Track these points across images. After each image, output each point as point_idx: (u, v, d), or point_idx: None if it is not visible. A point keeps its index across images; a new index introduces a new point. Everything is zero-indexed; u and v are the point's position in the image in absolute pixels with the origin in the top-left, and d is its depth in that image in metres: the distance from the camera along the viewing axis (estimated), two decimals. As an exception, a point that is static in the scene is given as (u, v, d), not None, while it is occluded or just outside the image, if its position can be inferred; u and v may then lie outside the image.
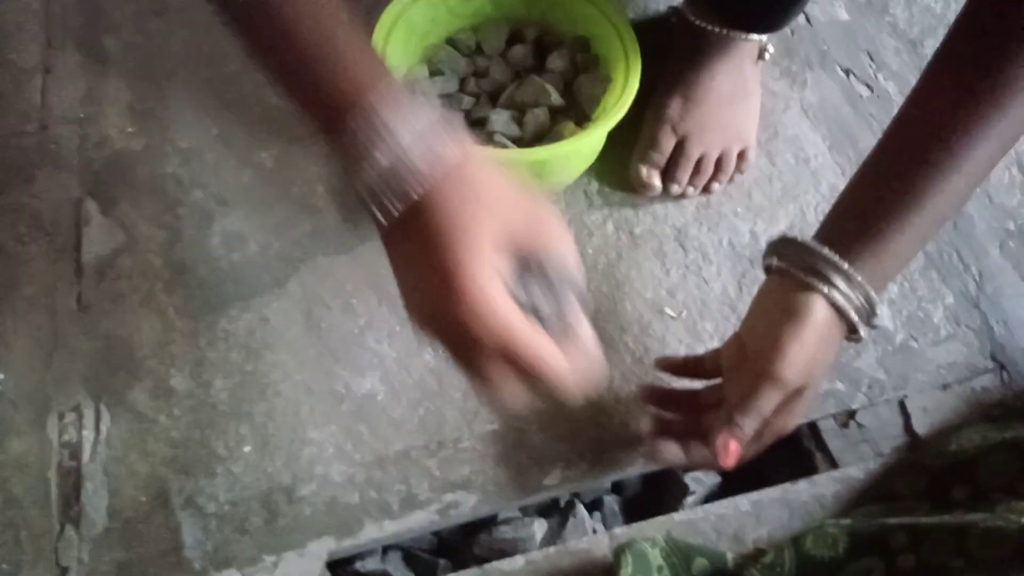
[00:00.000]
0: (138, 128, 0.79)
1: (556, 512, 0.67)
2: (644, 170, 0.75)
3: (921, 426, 0.68)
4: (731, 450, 0.55)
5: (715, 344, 0.71)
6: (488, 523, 0.66)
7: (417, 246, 0.41)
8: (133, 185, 0.76)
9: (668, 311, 0.72)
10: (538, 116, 0.72)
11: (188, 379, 0.67)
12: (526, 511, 0.67)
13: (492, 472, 0.65)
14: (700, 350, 0.70)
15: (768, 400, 0.54)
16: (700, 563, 0.57)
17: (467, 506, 0.64)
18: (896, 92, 0.87)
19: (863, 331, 0.54)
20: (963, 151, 0.49)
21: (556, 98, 0.73)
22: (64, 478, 0.63)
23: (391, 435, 0.66)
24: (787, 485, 0.65)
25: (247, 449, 0.64)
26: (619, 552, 0.57)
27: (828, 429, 0.69)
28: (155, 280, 0.71)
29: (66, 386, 0.66)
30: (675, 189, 0.75)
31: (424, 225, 0.40)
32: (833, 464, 0.67)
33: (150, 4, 0.86)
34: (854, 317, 0.53)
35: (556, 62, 0.76)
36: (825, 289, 0.52)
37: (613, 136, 0.72)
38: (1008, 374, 0.71)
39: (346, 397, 0.67)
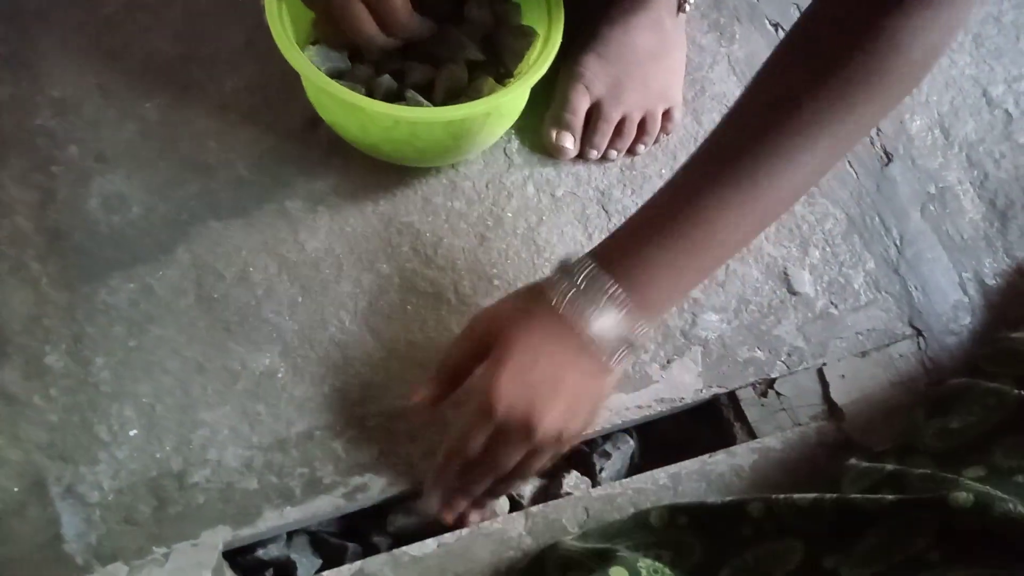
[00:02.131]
0: (3, 75, 0.70)
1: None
2: (555, 133, 0.71)
3: (839, 394, 0.68)
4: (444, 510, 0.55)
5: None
6: (401, 501, 0.63)
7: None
8: (2, 143, 0.67)
9: (588, 278, 0.69)
10: (454, 71, 0.66)
11: (65, 356, 0.61)
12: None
13: (403, 451, 0.61)
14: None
15: (475, 438, 0.51)
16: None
17: (376, 488, 0.60)
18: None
19: (609, 347, 0.50)
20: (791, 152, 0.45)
21: (474, 52, 0.67)
22: (-79, 469, 0.57)
23: (292, 415, 0.61)
24: (705, 457, 0.64)
25: (132, 432, 0.59)
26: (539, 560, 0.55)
27: (746, 399, 0.68)
28: (25, 246, 0.64)
29: (-79, 367, 0.60)
30: (593, 155, 0.72)
31: None
32: (752, 434, 0.66)
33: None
34: (606, 347, 0.49)
35: (474, 11, 0.70)
36: (581, 322, 0.48)
37: (536, 92, 0.67)
38: (924, 340, 0.71)
39: (242, 375, 0.62)
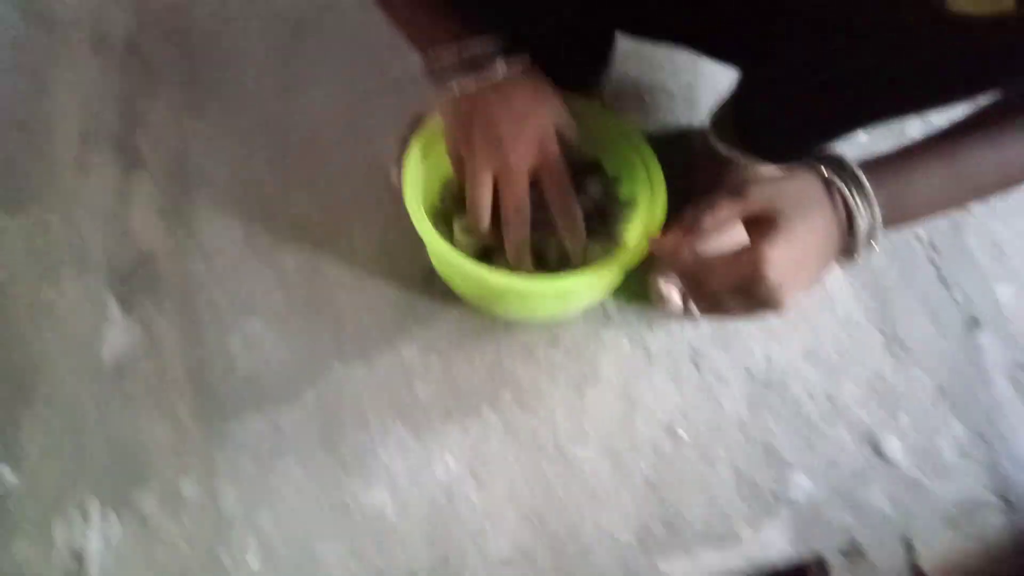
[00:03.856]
0: (164, 227, 0.80)
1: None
2: (663, 285, 0.76)
3: (926, 562, 0.68)
4: (670, 235, 0.56)
5: (726, 470, 0.71)
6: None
7: (496, 104, 0.61)
8: (156, 284, 0.77)
9: (681, 432, 0.73)
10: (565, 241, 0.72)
11: (197, 485, 0.67)
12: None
13: (498, 598, 0.64)
14: (710, 476, 0.71)
15: (727, 209, 0.53)
16: None
17: (472, 633, 0.63)
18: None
19: (862, 248, 0.54)
20: (1002, 139, 0.54)
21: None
22: (69, 585, 0.63)
23: (397, 553, 0.65)
24: (795, 623, 0.65)
25: (253, 562, 0.64)
26: None
27: (836, 563, 0.68)
28: (171, 382, 0.72)
29: (75, 489, 0.67)
30: (695, 309, 0.76)
31: (501, 92, 0.61)
32: (842, 601, 0.67)
33: (182, 100, 0.88)
34: (859, 224, 0.53)
35: (590, 186, 0.76)
36: (844, 188, 0.53)
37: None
38: (1013, 511, 0.71)
39: (352, 510, 0.67)
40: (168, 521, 0.66)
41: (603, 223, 0.75)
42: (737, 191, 0.53)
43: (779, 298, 0.52)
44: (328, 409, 0.71)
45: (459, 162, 0.65)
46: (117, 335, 0.74)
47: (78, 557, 0.64)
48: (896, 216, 0.56)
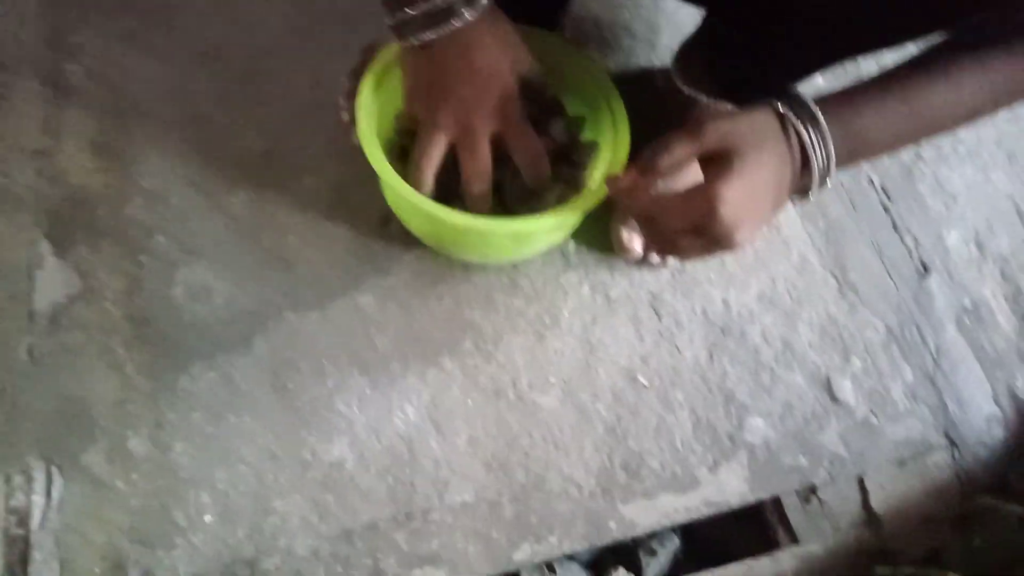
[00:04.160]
0: (99, 164, 0.75)
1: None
2: (625, 234, 0.75)
3: (878, 503, 0.70)
4: (625, 175, 0.56)
5: (685, 415, 0.72)
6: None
7: (454, 59, 0.58)
8: (92, 227, 0.72)
9: (641, 379, 0.73)
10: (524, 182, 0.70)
11: (147, 442, 0.64)
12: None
13: (461, 546, 0.64)
14: (671, 421, 0.71)
15: (682, 149, 0.53)
16: None
17: (435, 581, 0.63)
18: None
19: (815, 184, 0.55)
20: (957, 74, 0.54)
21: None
22: (10, 547, 0.60)
23: (358, 505, 0.64)
24: (749, 561, 0.67)
25: (208, 519, 0.62)
26: None
27: (790, 504, 0.70)
28: (113, 333, 0.68)
29: (16, 447, 0.63)
30: (655, 259, 0.75)
31: (462, 45, 0.58)
32: (794, 539, 0.69)
33: (116, 29, 0.81)
34: (814, 159, 0.53)
35: (554, 129, 0.74)
36: (799, 125, 0.53)
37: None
38: (959, 452, 0.73)
39: (312, 464, 0.65)
40: (117, 479, 0.63)
41: (566, 164, 0.73)
42: (692, 130, 0.52)
43: (733, 236, 0.52)
44: (282, 360, 0.69)
45: (415, 118, 0.62)
46: (51, 281, 0.70)
47: (23, 521, 0.61)
48: (851, 153, 0.56)
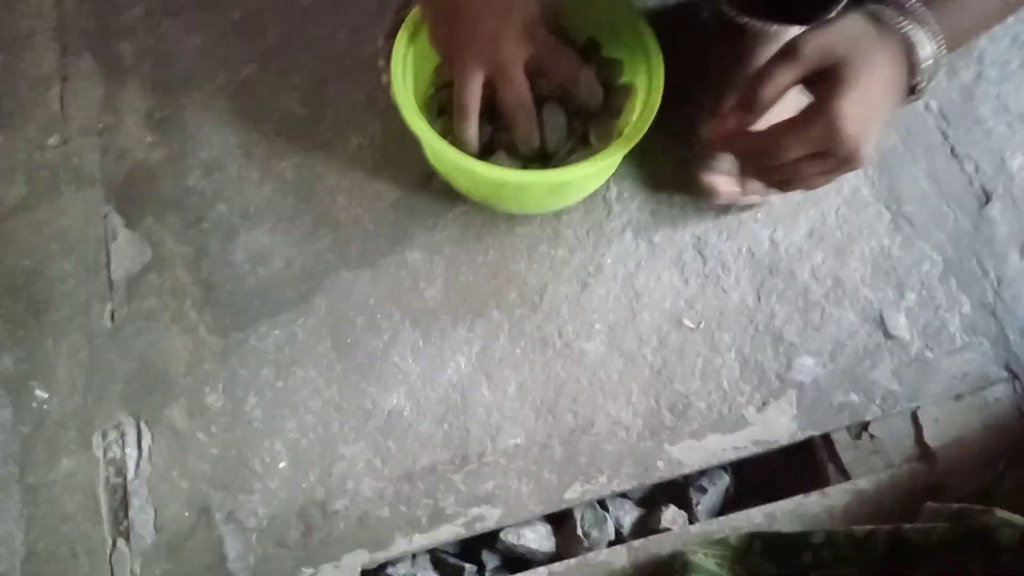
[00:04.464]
0: (158, 138, 0.79)
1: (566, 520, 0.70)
2: (714, 179, 0.72)
3: (932, 438, 0.70)
4: (725, 117, 0.53)
5: (732, 356, 0.72)
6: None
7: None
8: (157, 199, 0.77)
9: (687, 322, 0.74)
10: (560, 128, 0.71)
11: (222, 396, 0.70)
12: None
13: (515, 486, 0.68)
14: (717, 362, 0.72)
15: (784, 74, 0.50)
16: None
17: (492, 519, 0.67)
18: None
19: (924, 82, 0.51)
20: None
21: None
22: (112, 495, 0.67)
23: (418, 450, 0.68)
24: (800, 497, 0.68)
25: (282, 465, 0.67)
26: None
27: (841, 441, 0.71)
28: (184, 297, 0.73)
29: (107, 405, 0.70)
30: (753, 198, 0.74)
31: None
32: (845, 475, 0.70)
33: (161, 4, 0.85)
34: (924, 56, 0.50)
35: (589, 80, 0.73)
36: (899, 21, 0.50)
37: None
38: (1020, 384, 0.72)
39: (373, 413, 0.69)
40: (198, 431, 0.69)
41: (601, 108, 0.73)
42: (789, 51, 0.50)
43: (861, 151, 0.50)
44: (340, 315, 0.73)
45: (448, 63, 0.63)
46: (125, 252, 0.75)
47: (120, 471, 0.68)
48: (954, 41, 0.52)
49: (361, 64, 0.82)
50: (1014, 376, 0.72)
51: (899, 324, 0.74)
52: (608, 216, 0.77)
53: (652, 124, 0.65)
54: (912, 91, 0.52)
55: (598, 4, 0.72)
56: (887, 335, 0.73)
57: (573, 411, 0.70)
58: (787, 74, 0.50)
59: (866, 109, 0.49)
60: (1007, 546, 0.51)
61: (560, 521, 0.70)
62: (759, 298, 0.74)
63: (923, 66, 0.50)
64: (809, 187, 0.55)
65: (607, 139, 0.69)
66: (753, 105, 0.51)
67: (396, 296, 0.73)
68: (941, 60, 0.51)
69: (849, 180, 0.79)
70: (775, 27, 0.70)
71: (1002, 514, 0.53)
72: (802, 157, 0.51)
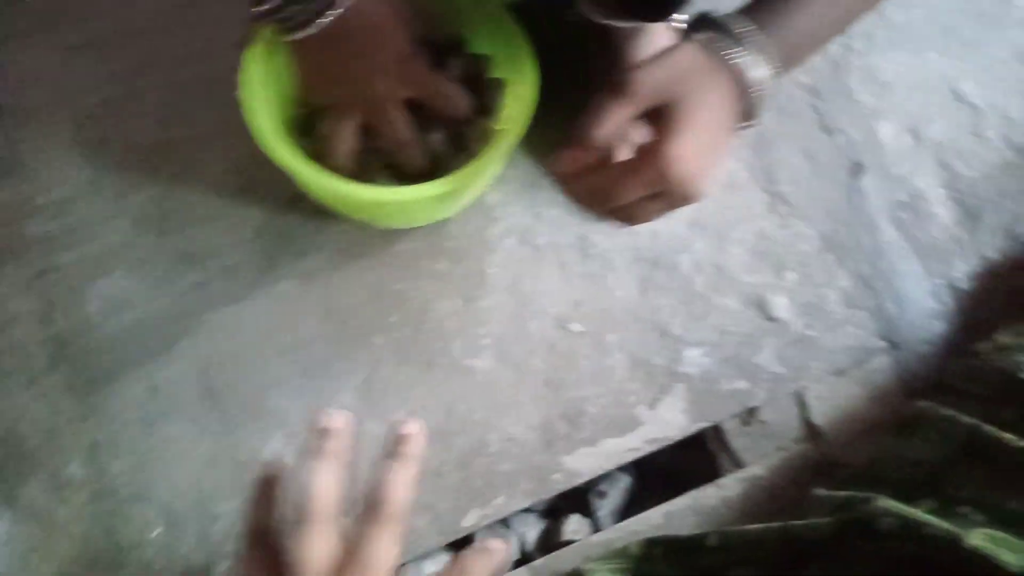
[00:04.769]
0: (-12, 183, 0.72)
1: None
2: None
3: (819, 416, 0.71)
4: (562, 155, 0.53)
5: (621, 356, 0.71)
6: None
7: (340, 41, 0.54)
8: (-7, 251, 0.70)
9: (574, 326, 0.72)
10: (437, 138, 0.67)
11: (84, 466, 0.65)
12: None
13: (411, 521, 0.65)
14: (607, 364, 0.71)
15: (616, 114, 0.50)
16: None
17: (389, 557, 0.64)
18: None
19: (760, 107, 0.52)
20: None
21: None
22: (-31, 585, 0.62)
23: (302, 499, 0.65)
24: (695, 492, 0.68)
25: (156, 533, 0.63)
26: None
27: (732, 429, 0.71)
28: (33, 359, 0.67)
29: (-45, 489, 0.64)
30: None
31: (345, 24, 0.53)
32: (737, 464, 0.70)
33: (-21, 30, 0.77)
34: (755, 86, 0.50)
35: (456, 70, 0.70)
36: (729, 54, 0.50)
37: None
38: (900, 353, 0.74)
39: (251, 464, 0.66)
40: (60, 508, 0.64)
41: (475, 104, 0.70)
42: (621, 89, 0.49)
43: (696, 190, 0.49)
44: (207, 361, 0.68)
45: (323, 109, 0.60)
46: (-36, 314, 0.69)
47: (-25, 555, 0.62)
48: (787, 62, 0.52)
49: (218, 81, 0.76)
50: (893, 346, 0.74)
51: (780, 306, 0.74)
52: (489, 223, 0.75)
53: (530, 122, 0.63)
54: (747, 116, 0.52)
55: (463, 4, 0.68)
56: (769, 318, 0.74)
57: (465, 432, 0.68)
58: (619, 114, 0.49)
59: (698, 148, 0.49)
60: (888, 533, 0.52)
61: (461, 547, 0.69)
62: (644, 293, 0.74)
63: (755, 93, 0.50)
64: (645, 222, 0.54)
65: (485, 142, 0.66)
66: (587, 145, 0.50)
67: (268, 333, 0.69)
68: (774, 83, 0.51)
69: (726, 164, 0.78)
70: (632, 25, 0.69)
71: (881, 502, 0.54)
72: (638, 198, 0.51)
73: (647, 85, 0.49)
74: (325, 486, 0.44)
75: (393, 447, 0.47)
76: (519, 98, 0.64)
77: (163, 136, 0.74)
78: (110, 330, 0.68)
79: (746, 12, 0.52)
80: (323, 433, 0.45)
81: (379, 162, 0.66)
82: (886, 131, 0.81)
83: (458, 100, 0.62)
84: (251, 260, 0.72)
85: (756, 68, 0.50)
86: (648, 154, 0.49)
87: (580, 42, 0.75)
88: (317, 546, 0.42)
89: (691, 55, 0.50)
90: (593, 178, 0.52)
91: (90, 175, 0.73)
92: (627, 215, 0.53)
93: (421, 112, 0.66)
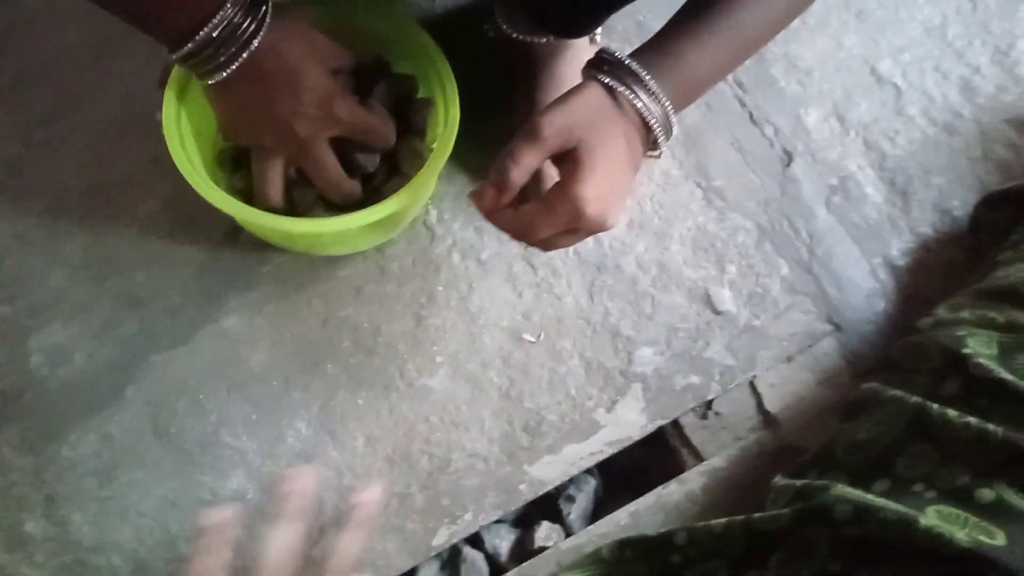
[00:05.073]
0: (-87, 244, 0.70)
1: (448, 563, 0.69)
2: None
3: (772, 403, 0.73)
4: (482, 193, 0.54)
5: (576, 362, 0.72)
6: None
7: (259, 83, 0.54)
8: (-75, 314, 0.68)
9: (527, 336, 0.73)
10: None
11: (42, 521, 0.64)
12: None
13: (380, 546, 0.66)
14: (562, 371, 0.72)
15: (527, 158, 0.51)
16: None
17: (360, 584, 0.64)
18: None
19: (662, 140, 0.54)
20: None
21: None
22: (-70, 658, 0.60)
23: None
24: (659, 490, 0.69)
25: (123, 582, 0.62)
26: None
27: (689, 423, 0.72)
28: (-22, 418, 0.66)
29: (-94, 561, 0.62)
30: None
31: (260, 67, 0.53)
32: (698, 457, 0.71)
33: None
34: (654, 123, 0.53)
35: (383, 93, 0.70)
36: (630, 95, 0.52)
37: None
38: (844, 335, 0.76)
39: (214, 503, 0.65)
40: (22, 566, 0.62)
41: (404, 125, 0.70)
42: (531, 134, 0.51)
43: (607, 223, 0.52)
44: (157, 404, 0.67)
45: (246, 151, 0.60)
46: (-100, 380, 0.67)
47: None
48: (684, 98, 0.55)
49: (138, 120, 0.75)
50: (837, 328, 0.76)
51: (724, 298, 0.76)
52: (432, 242, 0.75)
53: (457, 138, 0.63)
54: (652, 148, 0.55)
55: (376, 19, 0.68)
56: (715, 311, 0.75)
57: (428, 453, 0.69)
58: (531, 157, 0.51)
59: (606, 187, 0.51)
60: (844, 520, 0.53)
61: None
62: (592, 298, 0.74)
63: (657, 128, 0.53)
64: (564, 247, 0.57)
65: (418, 161, 0.66)
66: (502, 186, 0.52)
67: (218, 370, 0.69)
68: (671, 120, 0.54)
69: (660, 163, 0.80)
70: (548, 41, 0.70)
71: (837, 490, 0.55)
72: (554, 233, 0.53)
73: (555, 129, 0.51)
74: (281, 554, 0.45)
75: (347, 514, 0.48)
76: (445, 116, 0.65)
77: (89, 182, 0.73)
78: (56, 382, 0.67)
79: (645, 52, 0.54)
80: (285, 496, 0.45)
81: (313, 193, 0.66)
82: (812, 117, 0.83)
83: (384, 132, 0.63)
84: (194, 299, 0.71)
85: (655, 106, 0.52)
86: (559, 195, 0.51)
87: (504, 54, 0.76)
88: None
89: (595, 98, 0.52)
90: (511, 215, 0.54)
91: (16, 229, 0.72)
92: (545, 245, 0.55)
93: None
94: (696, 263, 0.76)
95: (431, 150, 0.66)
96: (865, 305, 0.77)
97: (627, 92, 0.52)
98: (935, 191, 0.81)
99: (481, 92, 0.66)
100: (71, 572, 0.62)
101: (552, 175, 0.55)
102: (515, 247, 0.75)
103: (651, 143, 0.55)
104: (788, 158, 0.81)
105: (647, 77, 0.52)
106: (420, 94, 0.70)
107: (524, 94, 0.74)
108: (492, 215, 0.55)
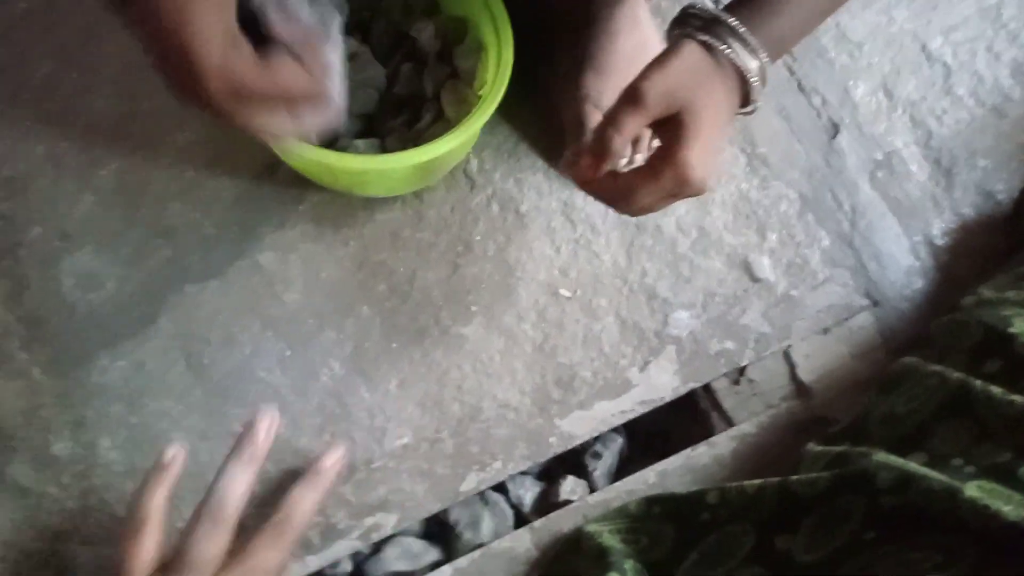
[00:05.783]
0: (-53, 158, 0.69)
1: (475, 505, 0.69)
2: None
3: (805, 374, 0.72)
4: (579, 161, 0.53)
5: (611, 320, 0.72)
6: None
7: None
8: (-44, 229, 0.67)
9: (563, 291, 0.72)
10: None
11: (70, 443, 0.63)
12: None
13: (408, 488, 0.65)
14: (597, 328, 0.71)
15: (630, 123, 0.50)
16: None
17: (388, 526, 0.64)
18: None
19: (755, 94, 0.53)
20: None
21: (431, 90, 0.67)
22: (-47, 573, 0.60)
23: (299, 467, 0.64)
24: (688, 451, 0.69)
25: (149, 510, 0.62)
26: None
27: (721, 388, 0.72)
28: (8, 338, 0.65)
29: (-69, 475, 0.61)
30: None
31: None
32: (729, 422, 0.71)
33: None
34: (753, 79, 0.51)
35: (422, 36, 0.69)
36: (728, 52, 0.51)
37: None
38: (881, 310, 0.75)
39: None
40: (48, 486, 0.62)
41: (451, 69, 0.69)
42: (632, 99, 0.50)
43: (707, 186, 0.51)
44: (189, 335, 0.66)
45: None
46: (-72, 295, 0.66)
47: (-43, 539, 0.60)
48: (778, 51, 0.53)
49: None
50: (874, 303, 0.75)
51: (764, 266, 0.75)
52: (471, 191, 0.74)
53: (507, 87, 0.62)
54: (745, 103, 0.53)
55: None
56: (753, 279, 0.74)
57: (459, 400, 0.68)
58: (634, 124, 0.50)
59: (710, 148, 0.50)
60: (885, 488, 0.53)
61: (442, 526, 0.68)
62: (630, 258, 0.74)
63: (753, 83, 0.51)
64: (659, 211, 0.55)
65: (464, 107, 0.65)
66: (604, 155, 0.51)
67: (252, 305, 0.68)
68: (766, 74, 0.52)
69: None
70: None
71: (879, 457, 0.55)
72: (655, 200, 0.52)
73: (659, 93, 0.49)
74: (238, 492, 0.53)
75: (310, 473, 0.56)
76: (496, 63, 0.63)
77: (124, 108, 0.71)
78: (86, 307, 0.66)
79: (737, 8, 0.52)
80: (252, 436, 0.54)
81: (352, 129, 0.65)
82: (860, 90, 0.82)
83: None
84: (228, 232, 0.70)
85: (753, 61, 0.51)
86: (663, 162, 0.50)
87: (556, 6, 0.74)
88: (215, 544, 0.51)
89: (693, 58, 0.51)
90: (611, 182, 0.53)
91: (49, 149, 0.70)
92: (641, 211, 0.54)
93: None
94: (737, 229, 0.75)
95: (479, 96, 0.65)
96: (904, 282, 0.76)
97: (726, 49, 0.50)
98: (980, 173, 0.81)
99: (529, 45, 0.64)
100: (98, 495, 0.62)
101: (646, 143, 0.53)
102: (554, 202, 0.74)
103: (744, 100, 0.53)
104: (834, 129, 0.80)
105: (744, 32, 0.50)
106: (472, 38, 0.68)
107: (570, 44, 0.72)
108: (588, 184, 0.53)
